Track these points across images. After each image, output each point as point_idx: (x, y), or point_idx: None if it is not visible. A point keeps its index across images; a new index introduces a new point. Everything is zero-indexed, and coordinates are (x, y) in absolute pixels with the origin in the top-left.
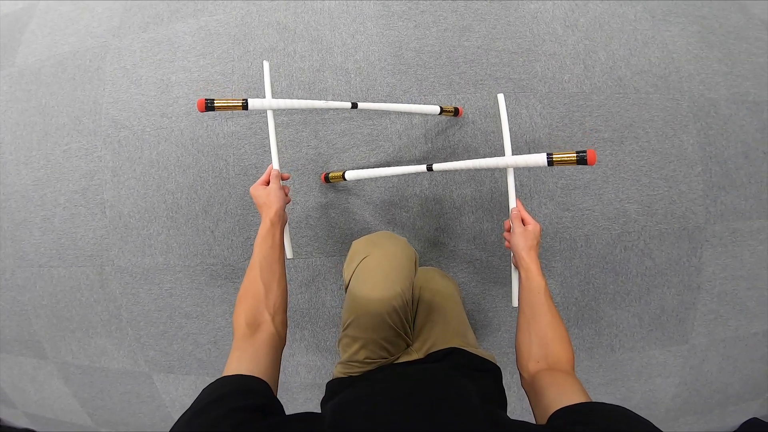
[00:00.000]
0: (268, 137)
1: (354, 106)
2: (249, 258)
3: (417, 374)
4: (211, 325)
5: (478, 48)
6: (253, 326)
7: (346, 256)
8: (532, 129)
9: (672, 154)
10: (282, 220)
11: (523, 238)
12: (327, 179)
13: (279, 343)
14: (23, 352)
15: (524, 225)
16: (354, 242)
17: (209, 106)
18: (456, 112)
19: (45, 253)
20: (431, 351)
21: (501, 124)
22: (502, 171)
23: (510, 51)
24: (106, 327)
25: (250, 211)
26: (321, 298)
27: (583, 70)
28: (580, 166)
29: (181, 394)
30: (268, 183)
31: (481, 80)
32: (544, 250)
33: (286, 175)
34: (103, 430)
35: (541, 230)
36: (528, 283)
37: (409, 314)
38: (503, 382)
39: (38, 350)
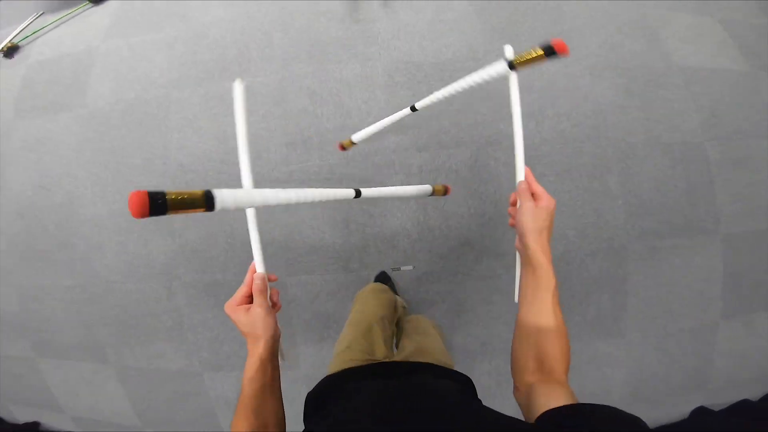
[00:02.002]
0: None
1: (357, 194)
2: (293, 269)
3: (394, 389)
4: None
5: (458, 111)
6: None
7: (361, 284)
8: (497, 176)
9: (599, 191)
10: (274, 346)
11: (532, 216)
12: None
13: None
14: (84, 358)
15: (535, 201)
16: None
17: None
18: (445, 190)
19: (116, 271)
20: (407, 360)
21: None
22: (490, 215)
23: (482, 113)
24: (169, 333)
25: (293, 237)
26: (327, 311)
27: (535, 126)
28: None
29: (226, 389)
30: (250, 297)
31: (461, 138)
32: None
33: (273, 276)
34: (149, 430)
35: (555, 207)
36: (536, 282)
37: (390, 332)
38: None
39: (100, 355)
